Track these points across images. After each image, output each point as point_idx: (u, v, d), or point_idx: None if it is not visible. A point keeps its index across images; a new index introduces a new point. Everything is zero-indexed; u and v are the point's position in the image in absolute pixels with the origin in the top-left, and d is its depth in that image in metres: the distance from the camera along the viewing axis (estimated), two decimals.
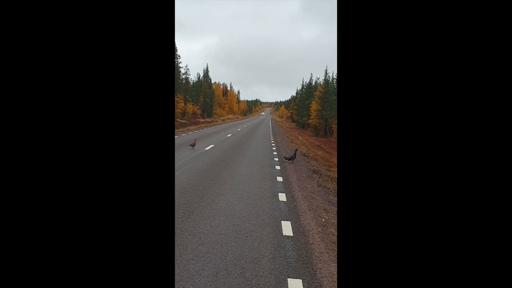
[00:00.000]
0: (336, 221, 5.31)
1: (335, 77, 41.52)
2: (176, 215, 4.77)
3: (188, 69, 70.42)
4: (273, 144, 16.57)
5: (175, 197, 5.76)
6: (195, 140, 13.89)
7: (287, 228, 4.52)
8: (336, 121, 32.31)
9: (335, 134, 38.04)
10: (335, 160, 16.25)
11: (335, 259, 3.80)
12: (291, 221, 4.85)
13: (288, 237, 4.22)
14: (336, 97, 29.72)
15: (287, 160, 10.51)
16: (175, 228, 4.21)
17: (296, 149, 11.35)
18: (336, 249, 4.11)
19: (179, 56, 44.89)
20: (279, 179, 7.82)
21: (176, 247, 3.70)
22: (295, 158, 10.58)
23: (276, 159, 11.24)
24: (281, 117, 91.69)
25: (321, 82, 47.23)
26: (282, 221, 4.79)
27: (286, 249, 3.82)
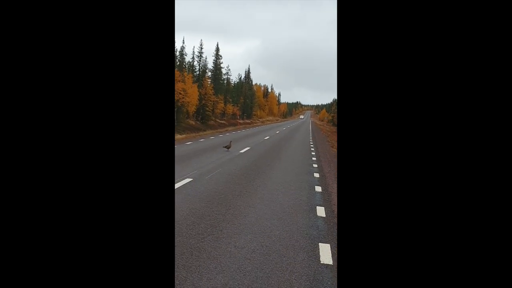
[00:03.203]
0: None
1: None
2: (196, 230, 4.16)
3: (229, 69, 70.80)
4: (312, 149, 15.71)
5: (200, 207, 5.18)
6: (230, 141, 13.34)
7: (325, 254, 3.76)
8: None
9: None
10: None
11: None
12: (330, 243, 4.08)
13: (327, 266, 3.46)
14: None
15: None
16: (192, 248, 3.58)
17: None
18: None
19: (220, 56, 45.00)
20: (318, 189, 7.04)
21: (189, 273, 3.04)
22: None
23: (315, 165, 10.42)
24: (322, 120, 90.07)
25: None
26: (320, 244, 4.03)
27: (325, 285, 3.07)
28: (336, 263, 3.53)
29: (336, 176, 8.99)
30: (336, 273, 3.31)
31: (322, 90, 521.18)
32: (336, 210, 5.58)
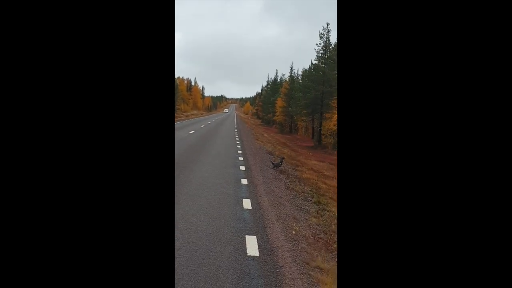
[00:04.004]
0: (306, 232, 4.72)
1: (300, 74, 41.40)
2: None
3: None
4: (237, 142, 15.85)
5: None
6: None
7: (252, 246, 3.83)
8: (302, 118, 32.05)
9: (300, 131, 37.97)
10: (301, 158, 15.86)
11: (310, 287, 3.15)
12: (256, 235, 4.17)
13: (253, 258, 3.53)
14: (301, 94, 29.47)
15: (274, 167, 9.71)
16: None
17: (283, 158, 10.55)
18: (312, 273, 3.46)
19: None
20: (244, 181, 7.13)
21: None
22: (281, 164, 9.82)
23: (241, 158, 10.54)
24: (246, 114, 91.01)
25: (287, 79, 47.01)
26: (246, 236, 4.09)
27: (252, 277, 3.12)
28: (262, 254, 3.62)
29: (261, 168, 9.20)
30: (262, 265, 3.40)
31: (247, 84, 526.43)
32: (262, 202, 5.72)
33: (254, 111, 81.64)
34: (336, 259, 4.06)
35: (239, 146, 14.03)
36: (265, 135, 26.98)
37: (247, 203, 5.50)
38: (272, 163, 9.88)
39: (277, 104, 43.70)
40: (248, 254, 3.59)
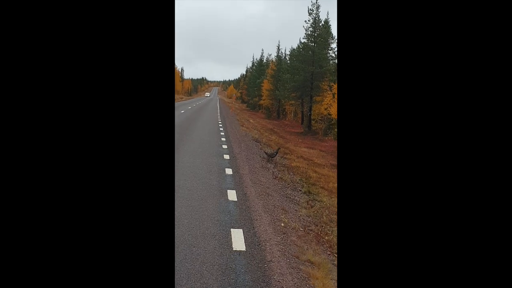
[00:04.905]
0: (296, 225, 4.74)
1: (288, 54, 41.08)
2: None
3: None
4: (221, 129, 15.77)
5: None
6: None
7: (238, 240, 3.82)
8: (290, 102, 31.97)
9: (289, 116, 37.78)
10: (290, 146, 15.87)
11: (300, 283, 3.16)
12: (243, 228, 4.17)
13: (240, 253, 3.52)
14: (289, 76, 29.16)
15: (269, 157, 9.61)
16: None
17: (278, 148, 10.51)
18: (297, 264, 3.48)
19: None
20: (228, 171, 7.11)
21: None
22: (276, 155, 9.80)
23: (225, 146, 10.49)
24: (230, 98, 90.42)
25: (273, 59, 46.59)
26: (232, 230, 4.09)
27: (238, 273, 3.12)
28: (249, 249, 3.63)
29: (247, 157, 9.18)
30: (249, 260, 3.40)
31: (230, 65, 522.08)
32: (248, 193, 5.71)
33: (239, 94, 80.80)
34: (333, 256, 4.10)
35: (222, 133, 13.97)
36: (251, 120, 26.90)
37: (232, 195, 5.50)
38: (266, 154, 9.79)
39: (263, 87, 42.96)
40: (234, 249, 3.58)
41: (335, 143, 18.32)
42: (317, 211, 5.60)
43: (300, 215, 5.30)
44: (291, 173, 8.54)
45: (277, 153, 9.78)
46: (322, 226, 4.96)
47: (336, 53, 26.57)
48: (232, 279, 3.01)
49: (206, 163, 7.79)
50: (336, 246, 4.24)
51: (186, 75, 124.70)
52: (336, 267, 3.58)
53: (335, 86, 22.69)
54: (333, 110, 21.72)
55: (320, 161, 12.72)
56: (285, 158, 11.13)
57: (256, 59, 59.97)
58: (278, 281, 3.10)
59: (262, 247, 3.74)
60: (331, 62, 26.58)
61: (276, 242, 3.93)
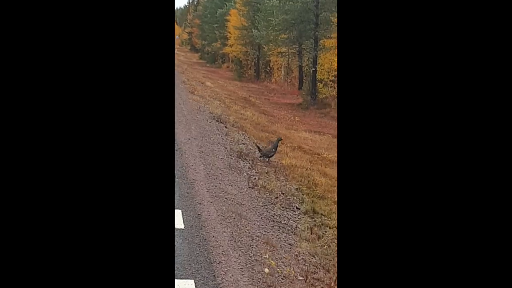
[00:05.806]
0: (291, 270, 3.53)
1: None
2: None
3: None
4: None
5: None
6: None
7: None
8: (279, 50, 21.24)
9: (276, 75, 25.60)
10: (279, 127, 11.21)
11: None
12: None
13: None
14: (277, 2, 18.60)
15: (263, 157, 6.84)
16: None
17: (279, 139, 7.38)
18: None
19: None
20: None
21: None
22: (275, 152, 6.93)
23: None
24: None
25: None
26: (176, 283, 2.92)
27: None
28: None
29: (200, 149, 7.13)
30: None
31: None
32: (204, 214, 4.30)
33: (186, 36, 54.73)
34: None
35: None
36: (209, 83, 18.87)
37: (176, 219, 3.93)
38: (259, 150, 7.06)
39: (229, 23, 27.73)
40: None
41: None
42: (329, 246, 4.02)
43: (299, 252, 3.82)
44: (282, 178, 6.14)
45: (275, 149, 6.92)
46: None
47: None
48: None
49: None
50: None
51: None
52: None
53: None
54: None
55: (332, 156, 8.59)
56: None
57: None
58: None
59: None
60: None
61: None
